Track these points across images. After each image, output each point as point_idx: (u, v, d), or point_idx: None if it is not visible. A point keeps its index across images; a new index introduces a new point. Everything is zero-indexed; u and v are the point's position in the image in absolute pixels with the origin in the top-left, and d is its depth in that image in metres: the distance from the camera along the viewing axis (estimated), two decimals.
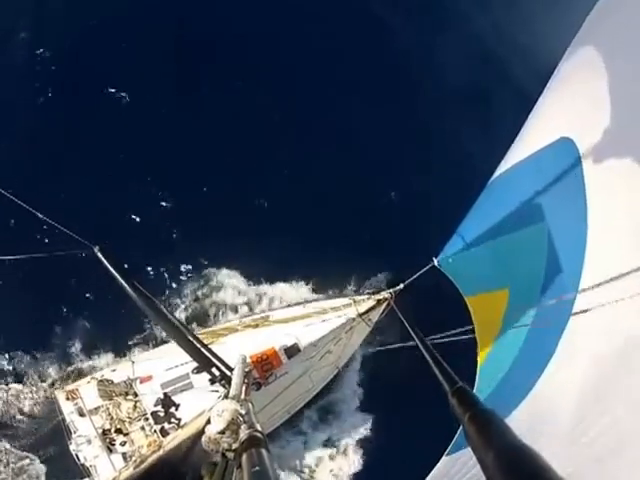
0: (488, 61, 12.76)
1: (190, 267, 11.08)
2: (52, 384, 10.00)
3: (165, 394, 8.73)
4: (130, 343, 10.47)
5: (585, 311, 3.97)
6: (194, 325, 10.33)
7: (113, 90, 12.55)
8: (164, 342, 9.77)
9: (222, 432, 3.30)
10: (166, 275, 11.01)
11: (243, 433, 2.98)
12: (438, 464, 5.60)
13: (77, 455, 8.32)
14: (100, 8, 13.09)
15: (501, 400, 5.21)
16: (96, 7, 13.13)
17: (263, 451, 2.41)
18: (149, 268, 11.06)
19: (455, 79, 12.22)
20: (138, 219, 11.43)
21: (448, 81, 12.29)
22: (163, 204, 11.52)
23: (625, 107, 4.03)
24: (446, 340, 7.00)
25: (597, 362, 3.53)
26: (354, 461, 9.63)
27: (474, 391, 5.67)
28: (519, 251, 5.62)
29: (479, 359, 6.20)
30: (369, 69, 12.72)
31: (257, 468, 2.18)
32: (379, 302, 8.87)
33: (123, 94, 12.50)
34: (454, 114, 12.06)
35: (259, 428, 2.98)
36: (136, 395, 8.73)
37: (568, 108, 5.04)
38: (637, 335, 3.25)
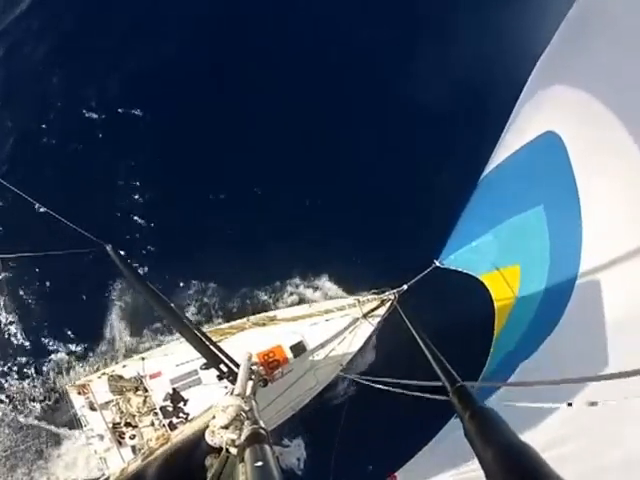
0: (489, 65, 12.68)
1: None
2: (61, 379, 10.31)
3: (174, 389, 8.94)
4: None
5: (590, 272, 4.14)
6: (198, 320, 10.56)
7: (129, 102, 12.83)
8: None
9: (226, 427, 3.44)
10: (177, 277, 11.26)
11: (246, 429, 3.02)
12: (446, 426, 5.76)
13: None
14: None
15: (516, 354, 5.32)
16: None
17: (266, 447, 2.48)
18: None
19: (446, 88, 12.17)
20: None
21: (439, 89, 12.22)
22: (163, 211, 11.76)
23: (604, 100, 4.22)
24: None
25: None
26: None
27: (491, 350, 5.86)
28: (522, 233, 5.79)
29: (496, 328, 6.32)
30: (376, 76, 12.74)
31: (260, 463, 2.24)
32: (383, 302, 8.99)
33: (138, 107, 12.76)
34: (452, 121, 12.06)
35: (262, 424, 3.03)
36: (146, 390, 8.96)
37: (552, 102, 5.25)
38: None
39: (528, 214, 5.47)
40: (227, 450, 3.17)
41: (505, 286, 6.10)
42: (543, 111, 5.35)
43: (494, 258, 6.30)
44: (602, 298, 3.76)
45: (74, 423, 8.96)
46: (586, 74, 4.58)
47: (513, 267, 5.97)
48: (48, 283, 11.14)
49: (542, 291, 5.17)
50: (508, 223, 5.93)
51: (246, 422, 3.37)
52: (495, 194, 6.42)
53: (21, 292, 11.16)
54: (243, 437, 2.89)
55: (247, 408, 3.54)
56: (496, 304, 6.39)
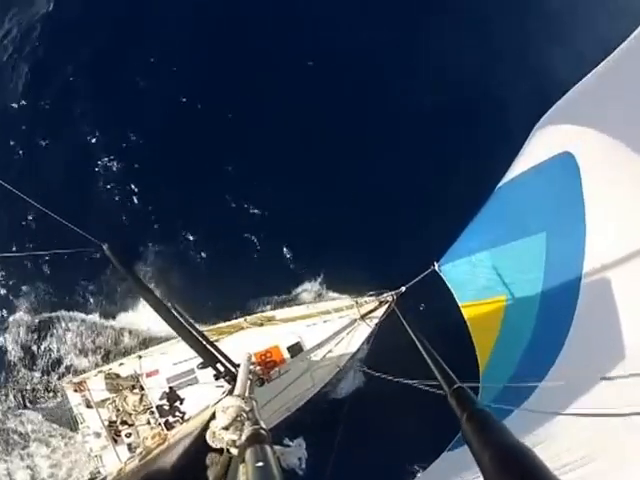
0: (490, 65, 12.74)
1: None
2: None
3: (171, 388, 8.94)
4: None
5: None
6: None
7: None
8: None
9: (226, 428, 3.43)
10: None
11: (247, 429, 2.98)
12: (438, 459, 5.73)
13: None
14: None
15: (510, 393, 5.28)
16: None
17: (267, 447, 2.43)
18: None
19: (459, 91, 12.21)
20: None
21: (449, 93, 12.25)
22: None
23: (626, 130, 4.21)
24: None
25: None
26: None
27: (479, 388, 5.84)
28: (518, 260, 5.74)
29: (480, 364, 6.29)
30: (376, 76, 12.76)
31: (261, 464, 2.20)
32: (381, 304, 9.00)
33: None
34: (461, 123, 12.09)
35: (263, 425, 2.99)
36: (142, 389, 8.95)
37: (573, 125, 5.20)
38: None
39: (529, 240, 5.43)
40: (228, 451, 3.17)
41: (486, 316, 6.11)
42: (564, 131, 5.29)
43: (485, 281, 6.27)
44: (603, 331, 3.76)
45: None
46: (615, 104, 4.54)
47: (498, 297, 5.97)
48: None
49: (532, 323, 5.15)
50: (508, 246, 5.91)
51: (246, 422, 3.36)
52: (502, 212, 6.38)
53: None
54: (244, 437, 2.86)
55: (247, 408, 3.54)
56: (473, 334, 6.40)
